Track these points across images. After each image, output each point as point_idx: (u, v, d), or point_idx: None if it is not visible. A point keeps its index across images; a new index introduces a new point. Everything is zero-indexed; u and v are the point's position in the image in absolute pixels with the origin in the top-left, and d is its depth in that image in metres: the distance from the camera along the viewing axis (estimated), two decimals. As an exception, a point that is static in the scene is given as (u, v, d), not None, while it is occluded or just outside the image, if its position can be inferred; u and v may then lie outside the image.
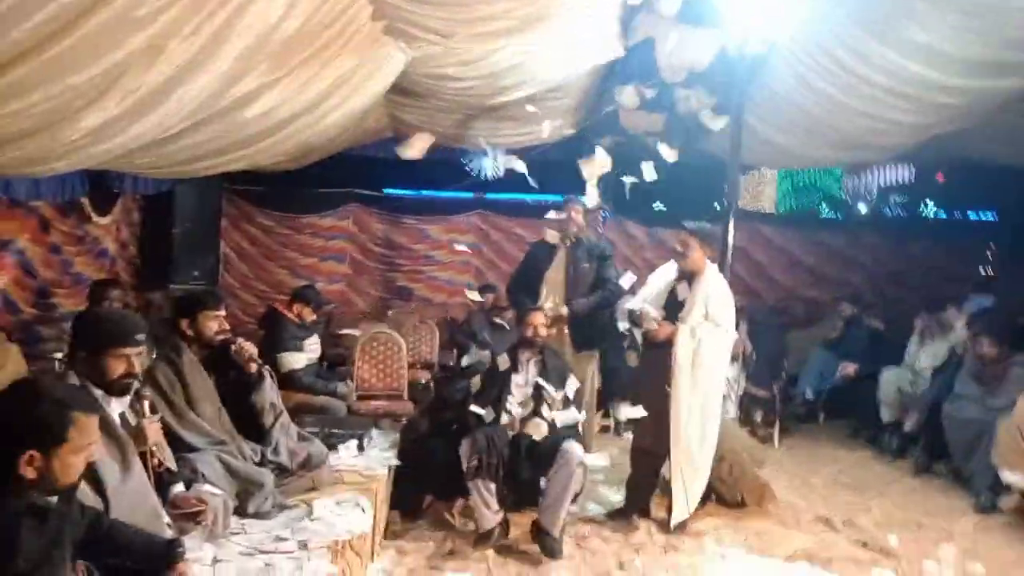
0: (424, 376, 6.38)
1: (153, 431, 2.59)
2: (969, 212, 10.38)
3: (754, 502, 4.59)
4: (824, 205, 12.13)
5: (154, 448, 2.59)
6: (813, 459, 5.92)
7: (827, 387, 7.03)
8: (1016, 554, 4.04)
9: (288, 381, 4.70)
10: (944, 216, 10.50)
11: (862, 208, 10.67)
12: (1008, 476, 4.52)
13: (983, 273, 9.48)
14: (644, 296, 4.41)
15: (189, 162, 4.51)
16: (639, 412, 4.14)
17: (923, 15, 4.09)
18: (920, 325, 6.59)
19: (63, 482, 1.83)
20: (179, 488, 2.71)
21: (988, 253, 9.64)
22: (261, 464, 3.21)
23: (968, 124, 5.74)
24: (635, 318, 4.35)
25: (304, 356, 4.96)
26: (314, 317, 5.13)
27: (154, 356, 3.19)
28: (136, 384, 2.58)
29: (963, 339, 5.76)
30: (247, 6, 2.36)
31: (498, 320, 6.71)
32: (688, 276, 4.26)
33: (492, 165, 8.31)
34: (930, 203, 11.66)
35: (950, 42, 4.25)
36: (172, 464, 2.74)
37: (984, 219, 10.27)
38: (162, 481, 2.64)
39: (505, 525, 3.96)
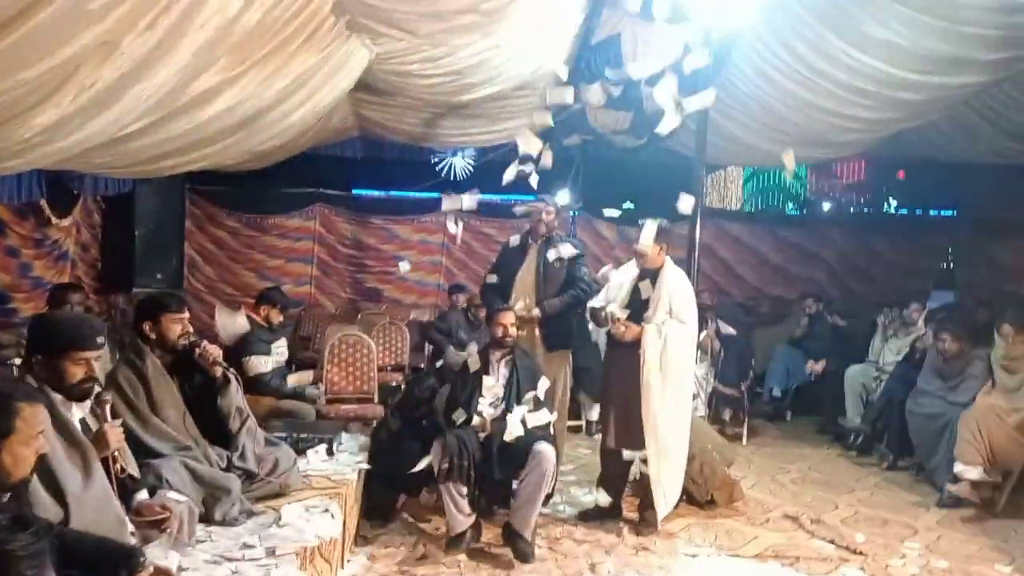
0: (395, 378, 6.32)
1: (115, 436, 2.52)
2: (930, 209, 10.60)
3: (724, 501, 4.63)
4: (790, 203, 12.30)
5: (116, 454, 2.52)
6: (781, 457, 5.98)
7: (794, 384, 7.13)
8: (977, 547, 4.12)
9: (256, 385, 4.62)
10: (906, 212, 10.72)
11: (826, 206, 10.85)
12: (960, 468, 4.62)
13: (944, 268, 9.70)
14: (607, 296, 4.41)
15: (150, 161, 4.40)
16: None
17: (880, 11, 4.16)
18: (883, 321, 6.70)
19: (15, 475, 1.85)
20: (143, 495, 2.64)
21: (948, 249, 9.87)
22: (228, 470, 3.14)
23: (927, 120, 5.87)
24: (598, 317, 4.35)
25: (272, 359, 4.87)
26: (281, 319, 5.04)
27: (117, 359, 3.12)
28: (97, 388, 2.52)
29: (925, 334, 5.86)
30: (205, -1, 2.30)
31: (473, 319, 6.70)
32: (650, 274, 4.27)
33: (462, 165, 8.31)
34: (892, 200, 11.91)
35: (907, 38, 4.33)
36: (135, 470, 2.67)
37: (944, 215, 10.50)
38: (125, 488, 2.57)
39: (477, 528, 3.93)
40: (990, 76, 4.85)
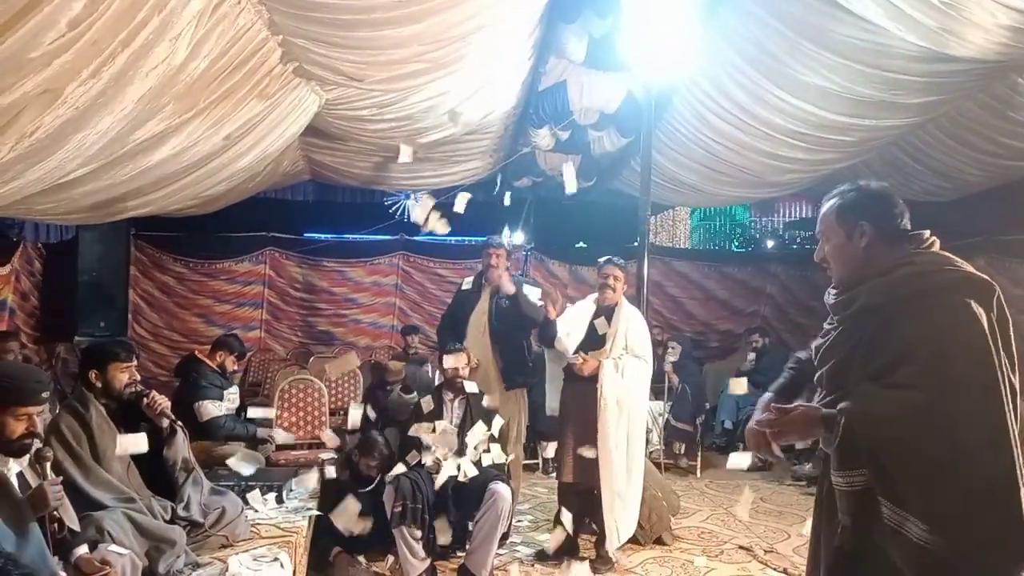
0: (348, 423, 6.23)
1: (53, 494, 2.43)
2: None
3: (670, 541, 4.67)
4: (735, 241, 12.66)
5: (55, 512, 2.43)
6: (734, 489, 6.06)
7: (744, 417, 7.25)
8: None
9: (208, 430, 4.52)
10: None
11: (769, 243, 11.20)
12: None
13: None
14: (564, 330, 4.46)
15: (93, 208, 4.34)
16: (591, 452, 4.14)
17: (811, 58, 4.39)
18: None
19: None
20: (82, 550, 2.54)
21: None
22: (172, 521, 3.06)
23: (860, 160, 6.15)
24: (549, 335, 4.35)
25: (224, 405, 4.78)
26: (236, 367, 4.97)
27: (58, 408, 3.03)
28: (37, 444, 2.43)
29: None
30: (150, 48, 2.32)
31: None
32: (606, 311, 4.34)
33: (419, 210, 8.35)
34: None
35: (838, 83, 4.57)
36: (75, 524, 2.58)
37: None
38: (64, 544, 2.48)
39: (432, 572, 3.87)
40: (916, 118, 5.13)
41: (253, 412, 4.79)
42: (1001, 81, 4.59)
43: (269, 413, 4.99)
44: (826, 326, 1.92)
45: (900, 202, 1.85)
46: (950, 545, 1.53)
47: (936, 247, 1.79)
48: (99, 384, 3.07)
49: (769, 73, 4.73)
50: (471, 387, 4.14)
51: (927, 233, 1.82)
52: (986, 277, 1.68)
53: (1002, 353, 1.61)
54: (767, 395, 2.16)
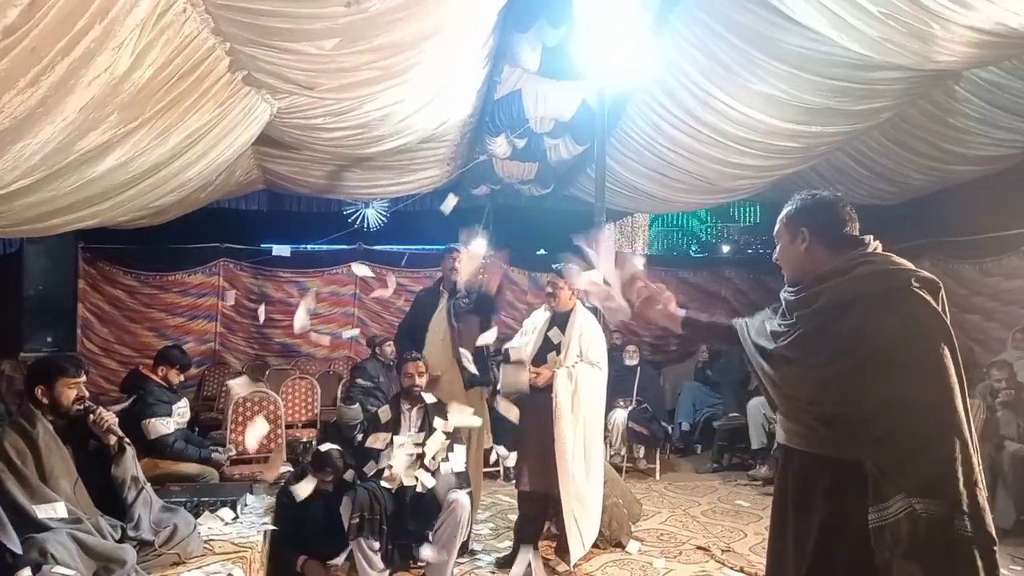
0: (305, 435, 6.15)
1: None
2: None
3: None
4: (693, 247, 12.85)
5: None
6: (693, 490, 6.14)
7: (701, 419, 7.35)
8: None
9: (157, 448, 4.41)
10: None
11: (725, 248, 11.39)
12: None
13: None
14: (518, 343, 4.46)
15: (37, 220, 4.22)
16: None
17: (759, 68, 4.49)
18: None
19: None
20: (25, 573, 2.46)
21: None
22: (122, 540, 2.98)
23: (808, 165, 6.30)
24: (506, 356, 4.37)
25: (173, 421, 4.67)
26: (181, 379, 4.85)
27: (4, 427, 2.93)
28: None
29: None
30: (92, 56, 2.27)
31: (387, 360, 6.65)
32: (560, 319, 4.36)
33: (374, 216, 8.30)
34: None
35: (785, 91, 4.68)
36: (17, 547, 2.50)
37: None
38: (6, 566, 2.40)
39: (391, 583, 3.84)
40: (860, 124, 5.28)
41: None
42: (940, 88, 4.76)
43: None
44: (780, 325, 2.03)
45: (846, 209, 1.99)
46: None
47: (880, 249, 1.94)
48: (46, 400, 2.99)
49: (719, 81, 4.82)
50: (429, 398, 4.12)
51: (870, 238, 1.96)
52: (932, 275, 1.85)
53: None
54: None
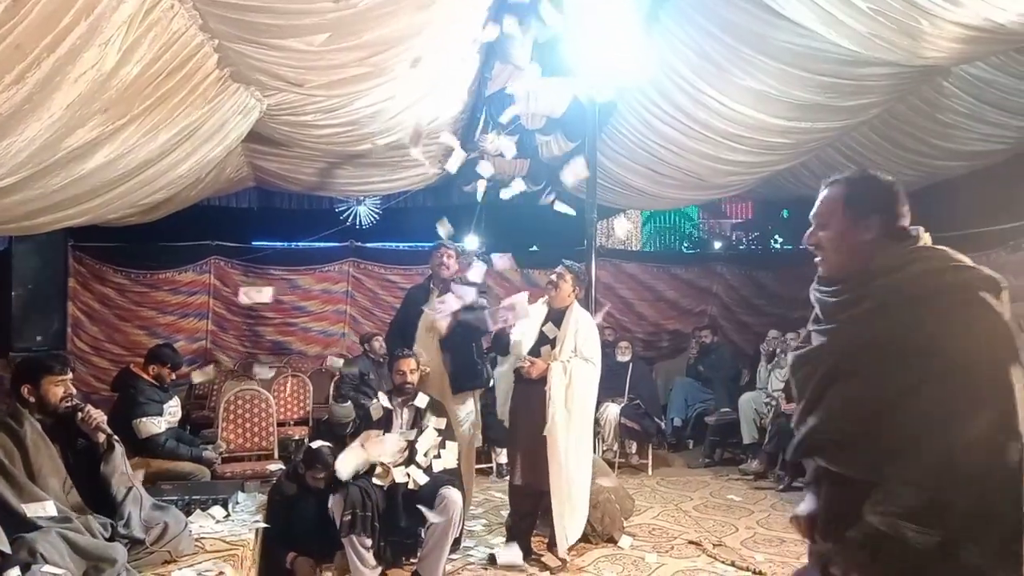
0: (297, 433, 6.14)
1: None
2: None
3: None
4: (685, 243, 12.87)
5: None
6: (684, 485, 6.16)
7: (693, 414, 7.37)
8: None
9: (149, 447, 4.40)
10: (791, 248, 11.41)
11: (717, 244, 11.42)
12: None
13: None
14: (516, 334, 4.47)
15: (25, 218, 4.19)
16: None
17: (750, 64, 4.49)
18: (765, 348, 7.04)
19: None
20: (14, 573, 2.45)
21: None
22: (112, 539, 2.97)
23: (798, 161, 6.32)
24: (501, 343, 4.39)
25: (164, 420, 4.66)
26: (173, 377, 4.84)
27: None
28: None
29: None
30: (79, 53, 2.26)
31: (377, 357, 6.62)
32: (555, 315, 4.38)
33: (366, 213, 8.29)
34: (779, 237, 12.67)
35: (775, 88, 4.69)
36: (6, 547, 2.49)
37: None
38: (-7, 568, 2.39)
39: (384, 580, 3.84)
40: (850, 120, 5.30)
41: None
42: (928, 84, 4.78)
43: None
44: (811, 329, 1.75)
45: (906, 198, 1.70)
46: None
47: (929, 241, 1.66)
48: (33, 399, 2.98)
49: (710, 78, 4.83)
50: (421, 401, 4.12)
51: (920, 229, 1.68)
52: (994, 273, 1.56)
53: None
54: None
